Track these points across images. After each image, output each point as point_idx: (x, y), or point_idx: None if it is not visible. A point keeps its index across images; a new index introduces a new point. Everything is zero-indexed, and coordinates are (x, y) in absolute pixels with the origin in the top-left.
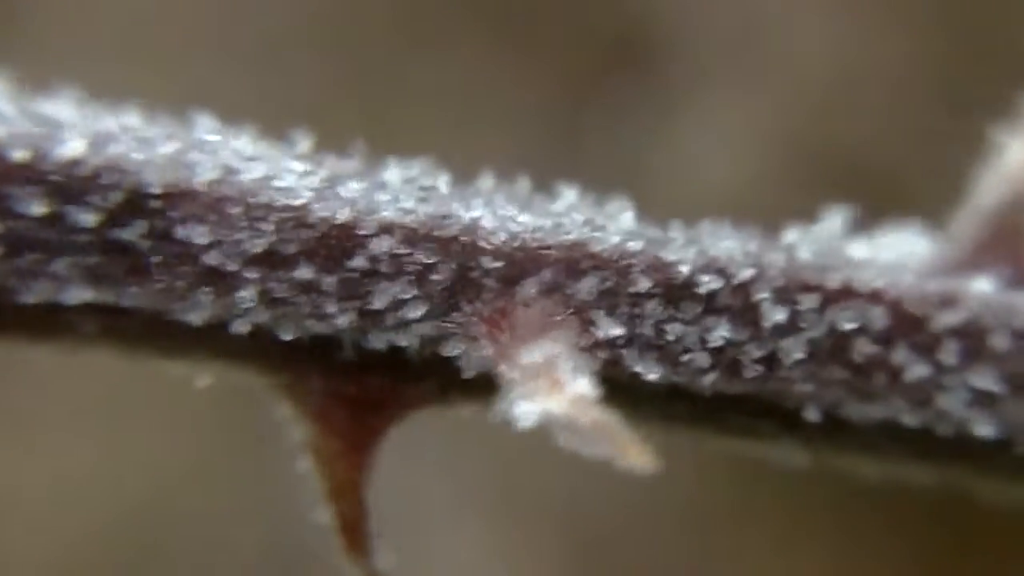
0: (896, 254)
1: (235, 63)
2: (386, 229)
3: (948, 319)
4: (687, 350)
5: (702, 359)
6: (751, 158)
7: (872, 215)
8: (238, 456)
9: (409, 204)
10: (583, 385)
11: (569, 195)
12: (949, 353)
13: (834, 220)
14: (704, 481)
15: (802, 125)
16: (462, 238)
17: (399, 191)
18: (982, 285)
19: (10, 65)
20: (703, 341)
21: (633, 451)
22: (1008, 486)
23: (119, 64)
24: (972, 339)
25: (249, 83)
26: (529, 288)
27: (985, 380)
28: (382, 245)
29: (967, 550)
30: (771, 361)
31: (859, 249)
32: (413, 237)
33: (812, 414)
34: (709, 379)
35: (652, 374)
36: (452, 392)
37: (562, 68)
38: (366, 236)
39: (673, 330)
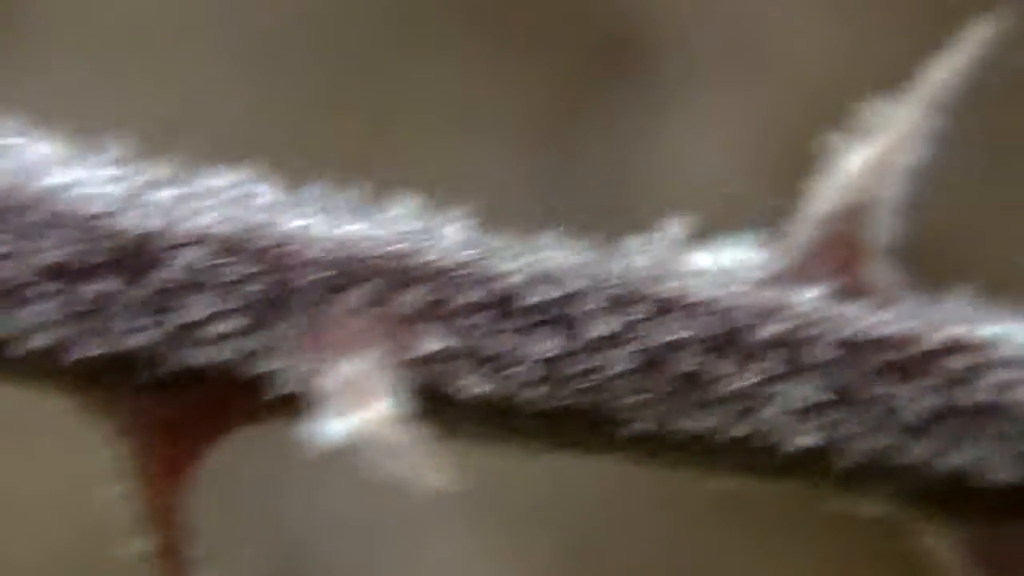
0: (734, 264)
1: (231, 65)
2: (199, 238)
3: (774, 329)
4: (516, 363)
5: (531, 372)
6: (745, 159)
7: None
8: (236, 460)
9: (227, 212)
10: (394, 401)
11: (407, 203)
12: (775, 363)
13: (674, 230)
14: (694, 483)
15: (796, 126)
16: (283, 248)
17: (217, 198)
18: (811, 295)
19: (9, 69)
20: (533, 353)
21: (436, 469)
22: (835, 495)
23: (118, 67)
24: (797, 349)
25: (245, 85)
26: (352, 300)
27: (809, 390)
28: (195, 255)
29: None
30: (600, 373)
31: (699, 259)
32: (229, 247)
33: (642, 426)
34: (539, 392)
35: (479, 388)
36: (274, 409)
37: (555, 69)
38: (177, 245)
39: (502, 342)
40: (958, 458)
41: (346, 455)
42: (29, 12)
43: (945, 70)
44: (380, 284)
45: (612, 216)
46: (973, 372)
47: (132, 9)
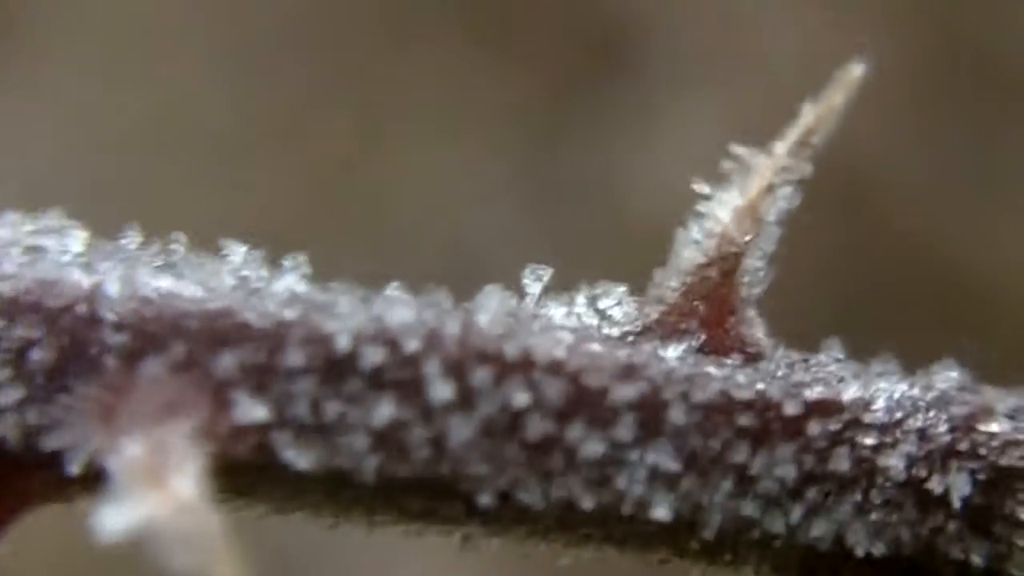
0: (594, 317)
1: (224, 66)
2: None
3: (626, 392)
4: (347, 432)
5: (363, 441)
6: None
7: (848, 214)
8: None
9: (10, 268)
10: (188, 481)
11: (237, 252)
12: (626, 428)
13: (534, 282)
14: None
15: (781, 126)
16: (76, 308)
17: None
18: (669, 353)
19: (8, 72)
20: (365, 421)
21: (227, 563)
22: (694, 564)
23: (113, 69)
24: (650, 413)
25: (236, 86)
26: (155, 365)
27: (662, 457)
28: None
29: None
30: (440, 441)
31: (556, 312)
32: (12, 307)
33: (486, 498)
34: (372, 463)
35: (304, 462)
36: (68, 488)
37: (544, 70)
38: None
39: (331, 410)
40: (819, 530)
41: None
42: (24, 15)
43: (813, 116)
44: (188, 347)
45: (599, 214)
46: (834, 438)
47: (125, 10)
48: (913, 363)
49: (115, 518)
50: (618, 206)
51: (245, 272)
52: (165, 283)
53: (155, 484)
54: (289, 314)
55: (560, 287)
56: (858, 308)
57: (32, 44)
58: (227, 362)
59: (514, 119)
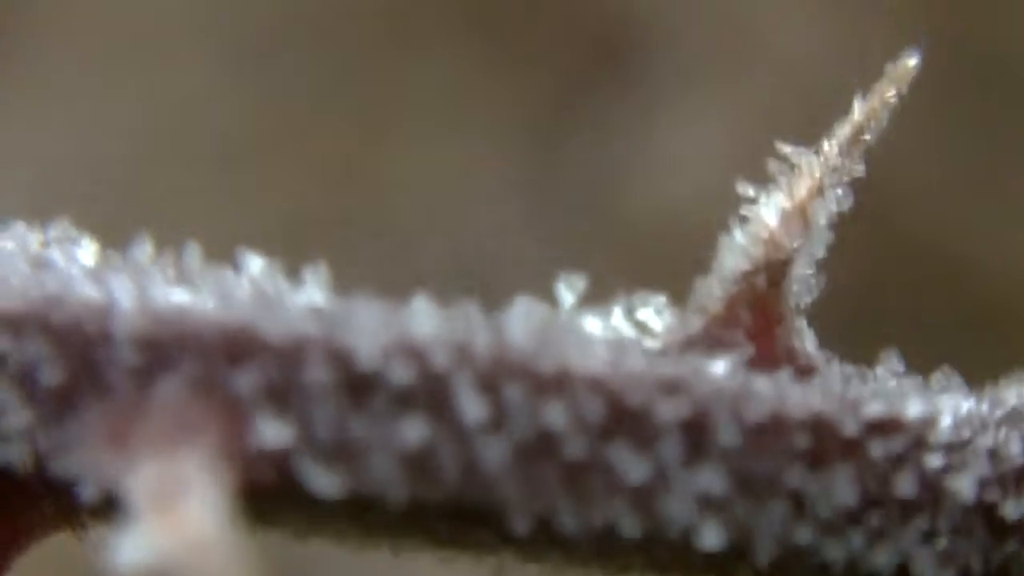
0: (634, 329)
1: (226, 68)
2: None
3: (672, 410)
4: (372, 454)
5: (390, 464)
6: (734, 160)
7: (853, 216)
8: None
9: (16, 282)
10: (205, 513)
11: (255, 264)
12: (671, 449)
13: (568, 291)
14: None
15: (785, 126)
16: (86, 325)
17: (5, 265)
18: (716, 368)
19: (9, 75)
20: (391, 442)
21: None
22: None
23: (112, 69)
24: (698, 433)
25: (238, 88)
26: (170, 384)
27: (711, 480)
28: None
29: None
30: (471, 464)
31: (591, 323)
32: (20, 325)
33: (521, 524)
34: (401, 487)
35: (330, 487)
36: (81, 515)
37: (547, 71)
38: None
39: (355, 430)
40: (882, 559)
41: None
42: (24, 19)
43: (864, 114)
44: (205, 365)
45: (602, 213)
46: (897, 459)
47: (126, 14)
48: (922, 365)
49: (130, 551)
50: (621, 205)
51: (263, 285)
52: (179, 298)
53: (169, 513)
54: (310, 329)
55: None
56: (864, 308)
57: (33, 48)
58: (246, 381)
59: (517, 119)
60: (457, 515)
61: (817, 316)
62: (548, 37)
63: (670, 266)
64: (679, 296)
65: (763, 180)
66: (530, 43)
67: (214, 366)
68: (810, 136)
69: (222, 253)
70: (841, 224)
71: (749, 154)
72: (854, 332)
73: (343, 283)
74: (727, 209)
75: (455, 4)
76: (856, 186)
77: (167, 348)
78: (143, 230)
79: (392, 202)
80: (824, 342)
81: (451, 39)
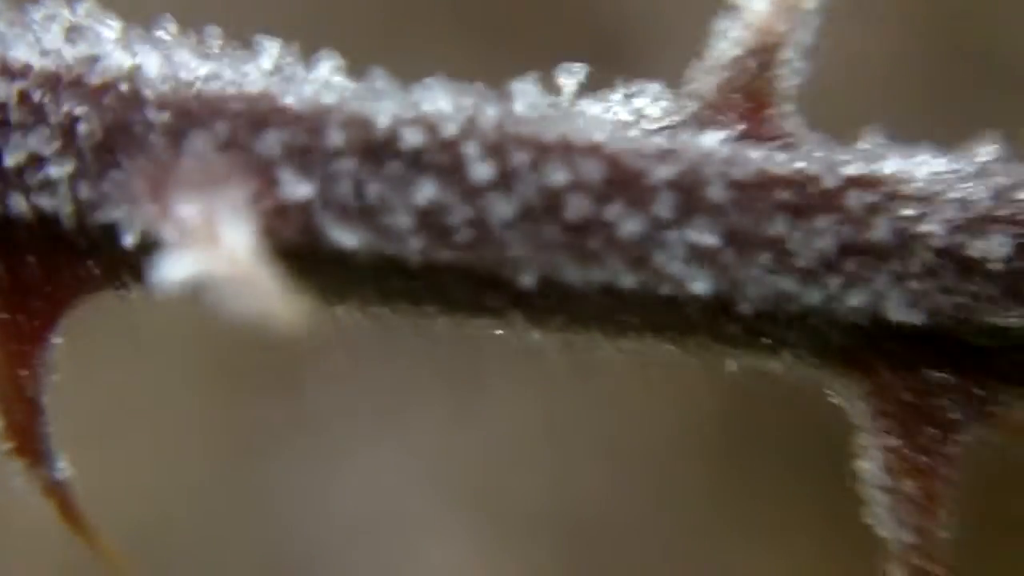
0: (631, 113)
1: None
2: (16, 72)
3: (664, 172)
4: (389, 212)
5: (405, 221)
6: None
7: None
8: (235, 473)
9: (51, 44)
10: (241, 239)
11: (272, 49)
12: (665, 207)
13: (569, 79)
14: (690, 485)
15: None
16: (119, 85)
17: (46, 31)
18: (708, 139)
19: None
20: (406, 202)
21: (284, 306)
22: (732, 348)
23: None
24: (689, 192)
25: None
26: (199, 142)
27: (702, 234)
28: (8, 91)
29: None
30: (481, 223)
31: (592, 107)
32: (54, 82)
33: (528, 279)
34: (415, 245)
35: (349, 240)
36: (121, 269)
37: (542, 68)
38: None
39: (372, 190)
40: (857, 301)
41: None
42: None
43: None
44: (231, 127)
45: None
46: (870, 210)
47: (121, 9)
48: None
49: (172, 270)
50: None
51: (281, 63)
52: (203, 66)
53: (210, 241)
54: (328, 98)
55: None
56: None
57: None
58: (270, 142)
59: None
60: (470, 275)
61: None
62: (545, 38)
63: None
64: None
65: None
66: (526, 43)
67: (240, 129)
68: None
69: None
70: None
71: None
72: None
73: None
74: None
75: (446, 10)
76: None
77: (194, 110)
78: None
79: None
80: None
81: (446, 41)
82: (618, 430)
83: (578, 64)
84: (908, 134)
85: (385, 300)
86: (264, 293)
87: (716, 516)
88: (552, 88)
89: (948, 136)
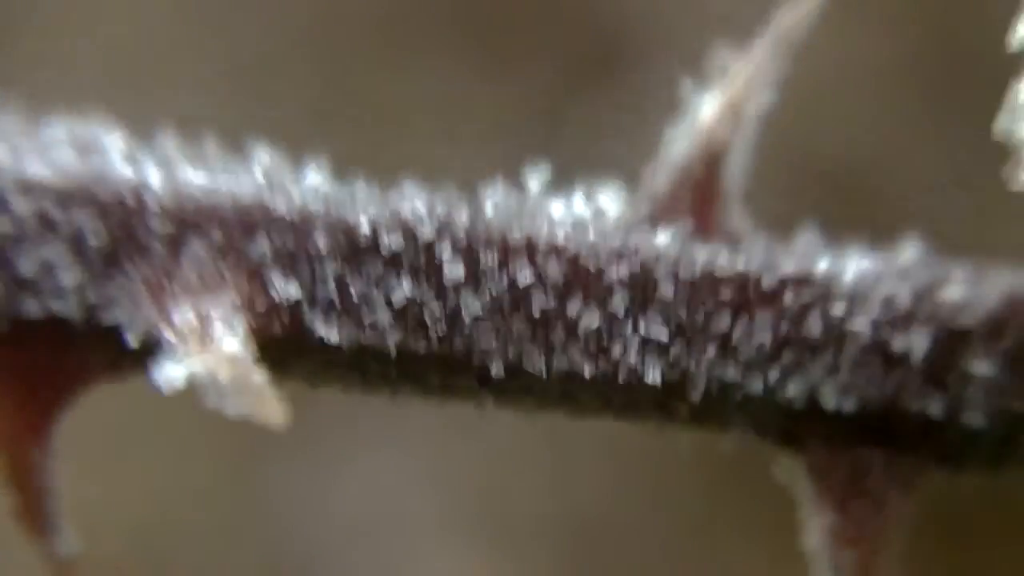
0: (592, 212)
1: (220, 81)
2: (31, 188)
3: (619, 271)
4: (370, 310)
5: (385, 318)
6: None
7: (854, 217)
8: (236, 478)
9: (62, 161)
10: (233, 343)
11: (262, 155)
12: (620, 303)
13: (534, 179)
14: (690, 488)
15: (781, 130)
16: (124, 199)
17: (50, 147)
18: (660, 238)
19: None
20: (386, 300)
21: (272, 407)
22: (695, 430)
23: (109, 85)
24: (642, 289)
25: (234, 97)
26: (197, 249)
27: (653, 328)
28: (28, 205)
29: (957, 548)
30: (454, 318)
31: (556, 207)
32: (65, 197)
33: (496, 368)
34: (394, 337)
35: (334, 336)
36: (123, 363)
37: (541, 75)
38: (9, 194)
39: (355, 290)
40: (795, 390)
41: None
42: (22, 34)
43: (792, 17)
44: (226, 234)
45: None
46: (805, 308)
47: (123, 28)
48: None
49: (170, 371)
50: None
51: (272, 172)
52: (200, 177)
53: (205, 344)
54: (314, 206)
55: None
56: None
57: (24, 68)
58: (261, 247)
59: (509, 128)
60: (443, 362)
61: None
62: (542, 43)
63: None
64: None
65: (757, 179)
66: (524, 49)
67: (234, 235)
68: (803, 136)
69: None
70: (833, 223)
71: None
72: None
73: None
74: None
75: (447, 13)
76: (849, 184)
77: (193, 219)
78: None
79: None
80: None
81: (445, 49)
82: (618, 433)
83: (542, 165)
84: (900, 137)
85: (365, 383)
86: (253, 394)
87: (716, 518)
88: (520, 186)
89: (941, 139)
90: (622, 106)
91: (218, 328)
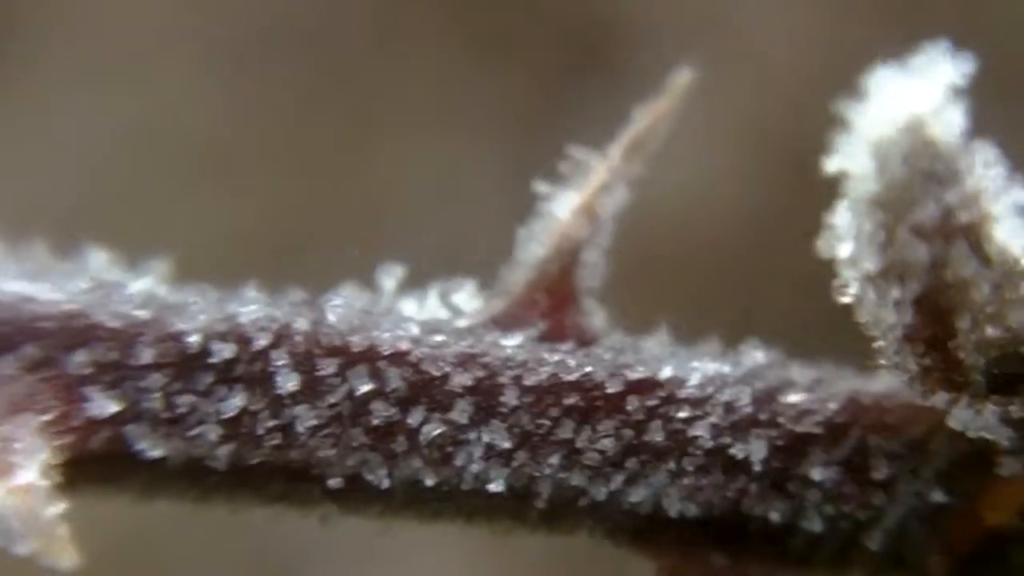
0: (443, 311)
1: (211, 73)
2: None
3: (463, 378)
4: (199, 422)
5: (215, 431)
6: (720, 154)
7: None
8: None
9: None
10: (33, 475)
11: (98, 258)
12: (463, 412)
13: (388, 278)
14: None
15: (771, 120)
16: None
17: None
18: (509, 342)
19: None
20: (216, 412)
21: (59, 548)
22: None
23: (106, 81)
24: (486, 396)
25: (227, 93)
26: (7, 365)
27: (496, 436)
28: None
29: None
30: (288, 429)
31: (406, 307)
32: None
33: (335, 480)
34: (225, 451)
35: (157, 451)
36: None
37: (532, 68)
38: None
39: (183, 402)
40: (639, 496)
41: None
42: (17, 30)
43: (646, 120)
44: (43, 346)
45: None
46: (651, 413)
47: (112, 19)
48: None
49: None
50: None
51: (103, 274)
52: (19, 286)
53: (5, 473)
54: (141, 315)
55: None
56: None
57: (26, 58)
58: (81, 360)
59: (503, 117)
60: (280, 474)
61: (797, 319)
62: (533, 36)
63: (650, 264)
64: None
65: (749, 178)
66: (515, 42)
67: (52, 348)
68: (790, 132)
69: (211, 254)
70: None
71: (736, 148)
72: (833, 334)
73: (332, 278)
74: (710, 208)
75: (440, 5)
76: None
77: (5, 332)
78: (132, 231)
79: (381, 199)
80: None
81: (440, 39)
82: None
83: (398, 265)
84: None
85: (200, 495)
86: (42, 533)
87: None
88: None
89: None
90: (614, 92)
91: (21, 452)
